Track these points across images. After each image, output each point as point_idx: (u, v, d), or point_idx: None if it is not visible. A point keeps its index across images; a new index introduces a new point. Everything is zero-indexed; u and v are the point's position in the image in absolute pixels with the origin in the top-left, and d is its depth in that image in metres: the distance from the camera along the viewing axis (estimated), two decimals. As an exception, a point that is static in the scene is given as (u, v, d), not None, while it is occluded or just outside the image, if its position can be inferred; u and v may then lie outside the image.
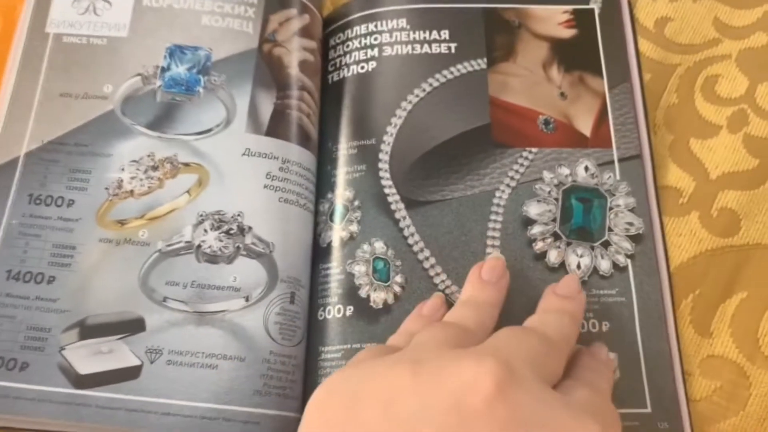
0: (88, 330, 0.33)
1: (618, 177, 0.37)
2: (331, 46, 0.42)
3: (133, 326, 0.33)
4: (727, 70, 0.41)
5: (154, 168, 0.36)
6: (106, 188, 0.36)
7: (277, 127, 0.38)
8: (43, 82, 0.38)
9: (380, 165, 0.37)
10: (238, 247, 0.34)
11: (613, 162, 0.37)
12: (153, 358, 0.33)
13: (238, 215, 0.35)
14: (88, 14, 0.39)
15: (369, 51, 0.40)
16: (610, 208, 0.36)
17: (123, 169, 0.36)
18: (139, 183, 0.36)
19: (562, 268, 0.35)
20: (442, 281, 0.35)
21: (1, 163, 0.36)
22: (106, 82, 0.38)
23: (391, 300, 0.35)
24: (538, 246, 0.35)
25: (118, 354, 0.33)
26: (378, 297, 0.35)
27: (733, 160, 0.39)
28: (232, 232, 0.34)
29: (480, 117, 0.38)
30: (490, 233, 0.36)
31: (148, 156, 0.36)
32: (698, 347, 0.35)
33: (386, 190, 0.37)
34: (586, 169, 0.37)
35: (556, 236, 0.36)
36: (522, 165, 0.37)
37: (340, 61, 0.41)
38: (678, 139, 0.39)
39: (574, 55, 0.40)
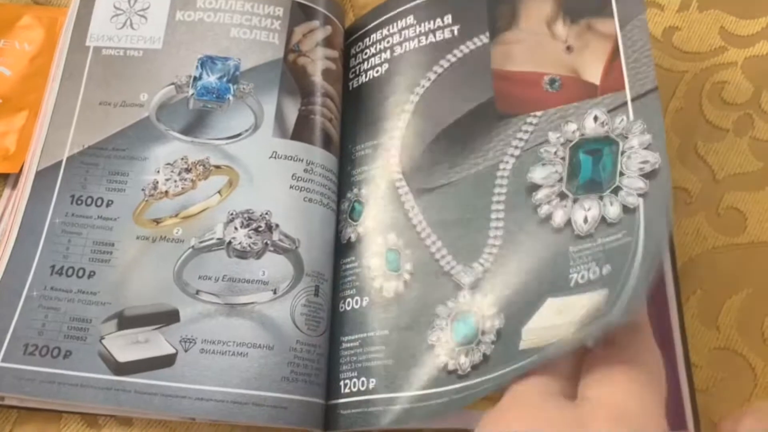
0: (126, 321, 0.35)
1: (632, 117, 0.34)
2: (351, 55, 0.43)
3: (168, 317, 0.35)
4: (733, 76, 0.42)
5: (188, 170, 0.38)
6: (143, 189, 0.37)
7: (301, 132, 0.39)
8: (83, 92, 0.40)
9: (391, 160, 0.38)
10: (266, 244, 0.36)
11: (626, 104, 0.34)
12: (187, 347, 0.34)
13: (266, 214, 0.37)
14: (126, 28, 0.42)
15: (383, 54, 0.41)
16: (622, 152, 0.33)
17: (158, 172, 0.38)
18: (174, 184, 0.37)
19: (568, 227, 0.33)
20: (447, 262, 0.35)
21: (45, 166, 0.38)
22: (142, 91, 0.40)
23: (401, 288, 0.36)
24: (543, 210, 0.34)
25: (155, 343, 0.34)
26: (389, 286, 0.36)
27: (739, 162, 0.40)
28: (260, 229, 0.36)
29: (484, 93, 0.38)
30: (494, 207, 0.35)
31: (182, 159, 0.38)
32: (705, 340, 0.36)
33: (397, 183, 0.38)
34: (596, 118, 0.35)
35: (562, 196, 0.34)
36: (526, 132, 0.36)
37: (359, 68, 0.42)
38: (685, 142, 0.40)
39: (580, 2, 0.38)
